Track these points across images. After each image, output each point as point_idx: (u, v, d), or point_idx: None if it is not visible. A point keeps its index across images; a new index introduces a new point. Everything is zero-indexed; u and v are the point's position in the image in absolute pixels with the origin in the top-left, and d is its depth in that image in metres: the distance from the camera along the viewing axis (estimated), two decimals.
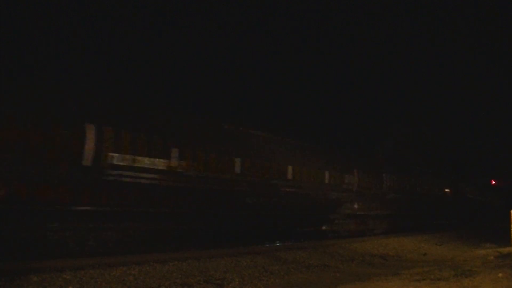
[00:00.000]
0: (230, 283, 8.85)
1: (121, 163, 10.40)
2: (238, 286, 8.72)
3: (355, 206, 19.64)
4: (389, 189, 22.85)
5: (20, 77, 10.71)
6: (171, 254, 10.52)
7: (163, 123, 12.22)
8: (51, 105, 9.77)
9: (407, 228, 23.75)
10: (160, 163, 11.33)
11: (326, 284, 9.23)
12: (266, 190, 15.11)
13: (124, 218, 11.05)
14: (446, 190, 32.05)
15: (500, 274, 8.76)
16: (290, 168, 16.00)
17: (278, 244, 14.53)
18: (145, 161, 10.94)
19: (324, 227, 18.46)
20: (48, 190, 9.42)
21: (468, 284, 8.09)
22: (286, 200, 16.03)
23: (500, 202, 44.49)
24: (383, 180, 22.47)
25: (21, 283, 7.31)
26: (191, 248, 11.95)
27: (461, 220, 33.45)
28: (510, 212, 13.78)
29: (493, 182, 45.96)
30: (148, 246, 11.32)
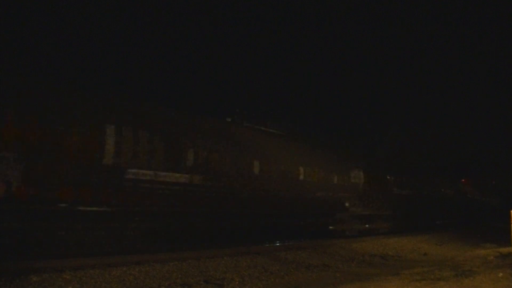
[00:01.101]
0: (230, 283, 8.85)
1: None
2: (238, 286, 8.72)
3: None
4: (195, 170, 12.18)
5: None
6: (171, 254, 10.51)
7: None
8: None
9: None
10: None
11: (326, 284, 9.22)
12: None
13: None
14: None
15: (500, 274, 8.76)
16: None
17: (278, 244, 14.51)
18: None
19: None
20: None
21: (468, 284, 8.09)
22: None
23: (500, 202, 44.48)
24: (183, 154, 11.92)
25: (21, 283, 7.31)
26: (191, 248, 11.93)
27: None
28: (510, 212, 13.77)
29: (463, 181, 45.21)
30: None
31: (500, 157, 52.02)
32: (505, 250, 14.17)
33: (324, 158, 18.32)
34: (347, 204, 18.92)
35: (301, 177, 16.25)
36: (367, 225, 20.53)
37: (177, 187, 11.90)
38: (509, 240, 14.55)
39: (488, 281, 8.24)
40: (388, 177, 23.51)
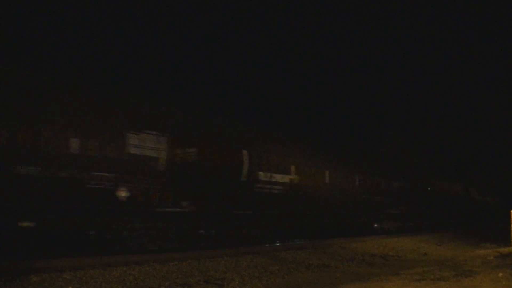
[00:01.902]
0: (230, 283, 8.85)
1: None
2: (238, 286, 8.72)
3: None
4: None
5: None
6: (171, 254, 10.52)
7: None
8: None
9: None
10: None
11: (326, 284, 9.22)
12: None
13: None
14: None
15: (500, 274, 8.76)
16: None
17: (278, 244, 14.51)
18: None
19: None
20: None
21: (468, 284, 8.09)
22: None
23: (500, 202, 44.50)
24: None
25: (21, 283, 7.31)
26: (191, 248, 11.94)
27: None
28: (510, 212, 13.80)
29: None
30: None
31: (500, 157, 52.04)
32: (505, 250, 14.18)
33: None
34: (121, 194, 10.96)
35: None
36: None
37: None
38: (509, 240, 14.57)
39: (488, 281, 8.24)
40: (245, 153, 13.91)
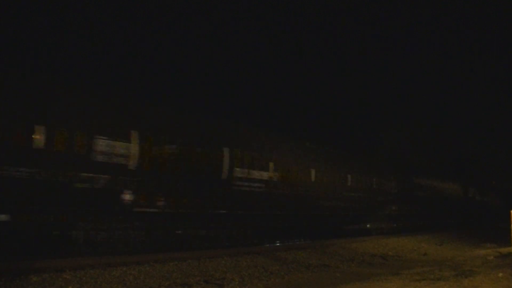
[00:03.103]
0: (230, 283, 8.85)
1: None
2: (238, 286, 8.72)
3: None
4: None
5: None
6: (171, 254, 10.52)
7: None
8: None
9: None
10: None
11: (326, 284, 9.22)
12: None
13: None
14: None
15: (500, 274, 8.75)
16: None
17: (278, 244, 14.51)
18: None
19: None
20: None
21: (468, 284, 8.09)
22: None
23: (500, 202, 44.46)
24: None
25: (21, 283, 7.31)
26: (191, 248, 11.94)
27: None
28: (510, 212, 13.80)
29: None
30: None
31: (500, 157, 51.99)
32: (505, 250, 14.18)
33: None
34: None
35: None
36: None
37: None
38: (509, 240, 14.56)
39: (488, 281, 8.24)
40: None
